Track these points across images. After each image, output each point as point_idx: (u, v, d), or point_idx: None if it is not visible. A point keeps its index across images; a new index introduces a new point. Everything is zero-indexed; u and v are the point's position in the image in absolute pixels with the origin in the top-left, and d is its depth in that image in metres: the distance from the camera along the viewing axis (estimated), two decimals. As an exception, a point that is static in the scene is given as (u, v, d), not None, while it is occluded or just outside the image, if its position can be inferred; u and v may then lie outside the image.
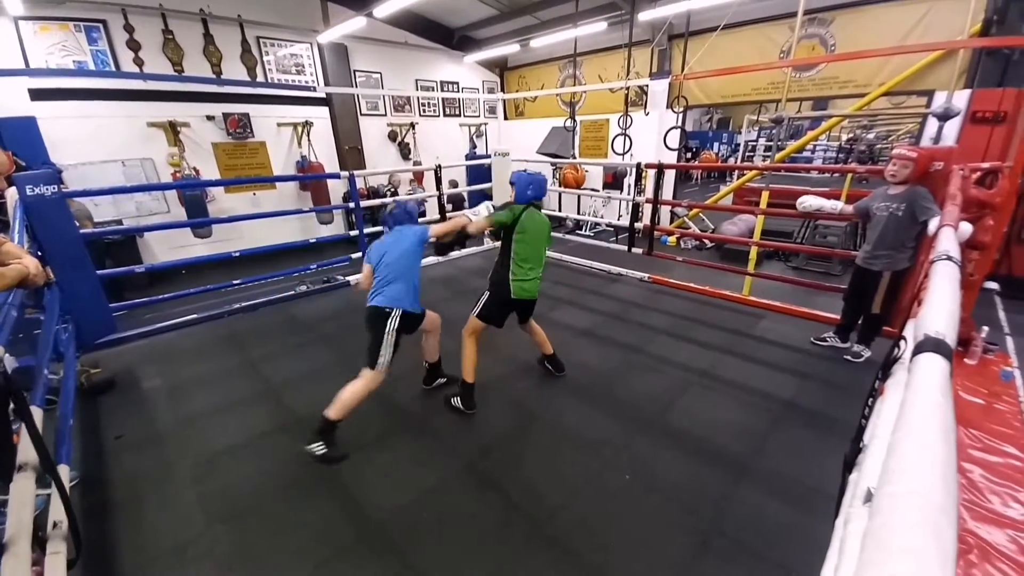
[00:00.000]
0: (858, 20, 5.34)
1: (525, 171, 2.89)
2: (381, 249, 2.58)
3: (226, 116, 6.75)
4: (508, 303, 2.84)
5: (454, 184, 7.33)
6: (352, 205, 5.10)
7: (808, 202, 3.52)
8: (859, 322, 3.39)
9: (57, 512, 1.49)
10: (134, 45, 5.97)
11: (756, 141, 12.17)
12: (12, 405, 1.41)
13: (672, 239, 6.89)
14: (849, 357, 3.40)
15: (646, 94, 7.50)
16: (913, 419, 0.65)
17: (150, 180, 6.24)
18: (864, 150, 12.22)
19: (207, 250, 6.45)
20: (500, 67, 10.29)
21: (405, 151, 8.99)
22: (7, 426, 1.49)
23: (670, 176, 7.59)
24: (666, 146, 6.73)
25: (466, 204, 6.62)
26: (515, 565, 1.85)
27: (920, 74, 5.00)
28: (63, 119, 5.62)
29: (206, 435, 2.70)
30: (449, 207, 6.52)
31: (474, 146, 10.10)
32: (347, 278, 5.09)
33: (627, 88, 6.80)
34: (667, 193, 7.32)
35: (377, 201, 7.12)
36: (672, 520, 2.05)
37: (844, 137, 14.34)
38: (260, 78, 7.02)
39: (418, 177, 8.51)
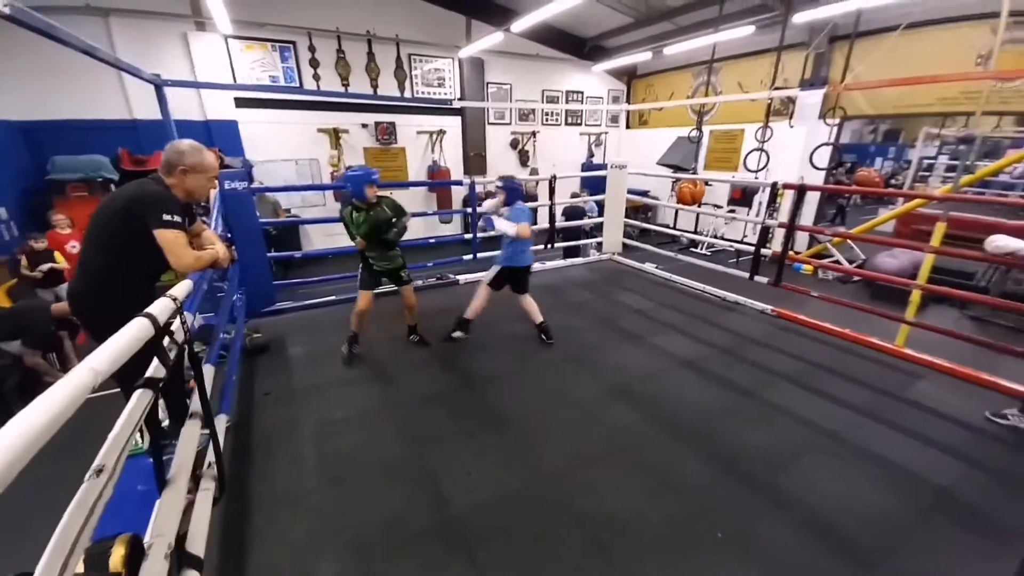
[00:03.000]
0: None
1: (357, 169, 3.46)
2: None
3: (377, 124, 7.70)
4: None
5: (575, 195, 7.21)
6: (470, 210, 5.43)
7: (1000, 243, 2.83)
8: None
9: (212, 455, 1.87)
10: (314, 63, 7.11)
11: (935, 159, 10.07)
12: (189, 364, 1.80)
13: (807, 268, 6.07)
14: (1041, 445, 2.67)
15: (793, 103, 6.71)
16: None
17: (315, 178, 7.43)
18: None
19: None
20: (628, 75, 10.08)
21: (524, 158, 9.31)
22: (182, 381, 1.94)
23: (813, 198, 6.70)
24: (812, 165, 5.94)
25: (587, 217, 6.58)
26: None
27: None
28: (257, 123, 6.93)
29: (328, 403, 3.12)
30: (562, 219, 6.50)
31: (591, 155, 10.05)
32: (456, 277, 5.44)
33: (769, 97, 6.15)
34: (807, 217, 6.49)
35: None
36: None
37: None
38: (408, 91, 7.85)
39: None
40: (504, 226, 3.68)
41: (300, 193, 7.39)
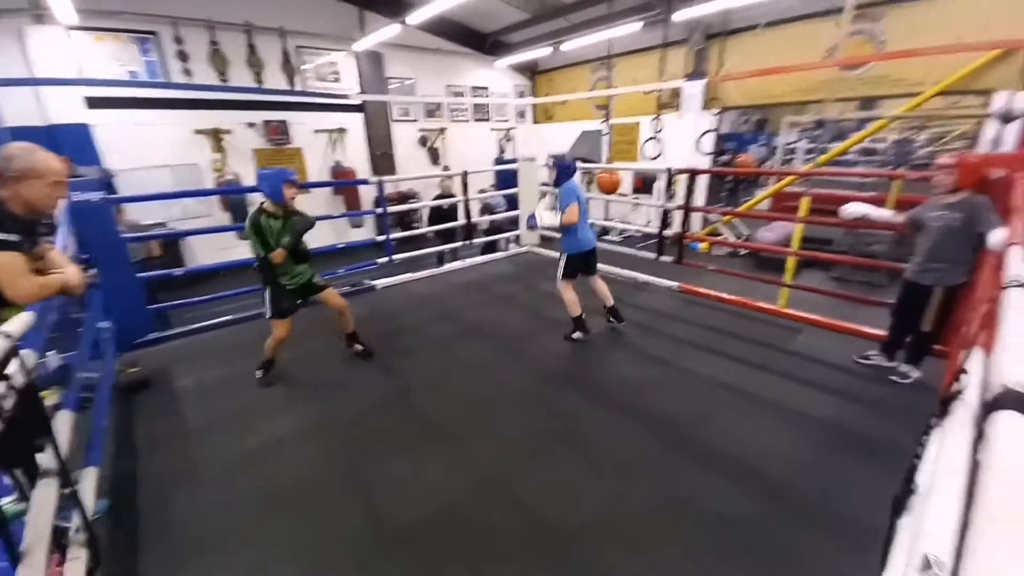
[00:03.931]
0: (912, 15, 5.02)
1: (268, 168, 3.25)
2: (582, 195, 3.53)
3: (266, 123, 7.00)
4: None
5: (483, 191, 7.30)
6: (380, 210, 5.17)
7: (852, 210, 3.29)
8: (907, 340, 3.16)
9: (78, 518, 1.55)
10: (183, 56, 6.27)
11: (796, 143, 11.65)
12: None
13: (703, 246, 6.66)
14: (895, 377, 3.16)
15: (679, 96, 7.30)
16: (996, 502, 0.55)
17: (196, 184, 6.55)
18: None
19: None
20: (531, 70, 10.28)
21: (435, 156, 9.10)
22: (30, 435, 1.58)
23: (703, 181, 7.35)
24: (699, 150, 6.51)
25: (501, 209, 6.60)
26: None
27: (979, 73, 4.64)
28: (118, 126, 5.94)
29: (232, 436, 2.76)
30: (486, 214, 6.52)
31: (502, 150, 10.11)
32: (373, 282, 5.16)
33: (659, 90, 6.63)
34: (700, 199, 7.09)
35: (406, 207, 7.20)
36: (699, 543, 1.94)
37: (891, 139, 13.45)
38: (299, 86, 7.24)
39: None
40: (547, 220, 3.67)
41: (179, 203, 6.49)
